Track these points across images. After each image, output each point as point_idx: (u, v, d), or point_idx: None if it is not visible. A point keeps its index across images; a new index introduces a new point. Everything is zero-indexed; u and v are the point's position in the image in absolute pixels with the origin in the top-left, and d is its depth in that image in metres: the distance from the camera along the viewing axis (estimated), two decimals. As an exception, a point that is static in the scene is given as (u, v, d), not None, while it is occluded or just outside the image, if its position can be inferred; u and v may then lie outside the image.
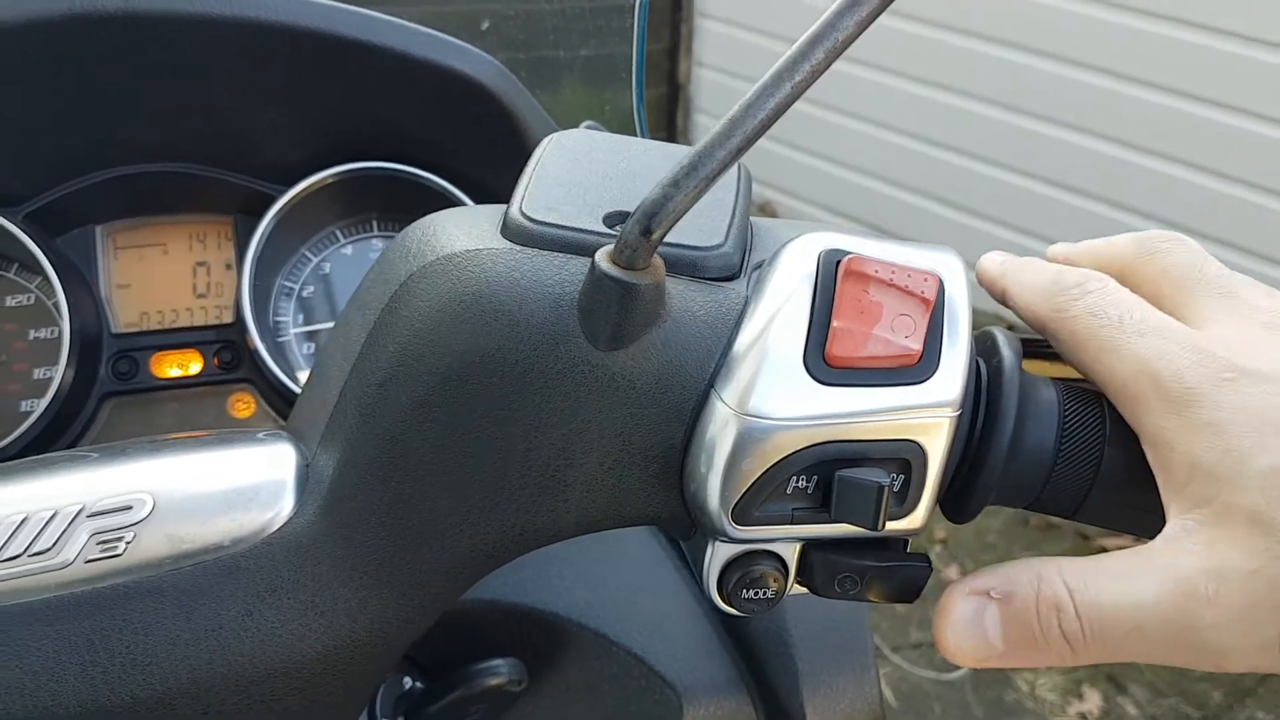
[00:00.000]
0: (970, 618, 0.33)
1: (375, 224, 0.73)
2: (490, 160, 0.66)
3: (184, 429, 0.70)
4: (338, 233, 0.73)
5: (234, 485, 0.35)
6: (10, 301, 0.68)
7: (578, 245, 0.34)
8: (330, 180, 0.67)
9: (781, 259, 0.33)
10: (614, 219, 0.35)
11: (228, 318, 0.71)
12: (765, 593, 0.35)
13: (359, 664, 0.36)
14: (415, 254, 0.35)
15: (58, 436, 0.66)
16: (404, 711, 0.55)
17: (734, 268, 0.34)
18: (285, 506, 0.35)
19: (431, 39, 0.60)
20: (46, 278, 0.68)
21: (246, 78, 0.61)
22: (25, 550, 0.33)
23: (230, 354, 0.70)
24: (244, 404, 0.71)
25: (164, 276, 0.71)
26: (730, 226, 0.35)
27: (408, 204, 0.71)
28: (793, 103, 0.28)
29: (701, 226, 0.35)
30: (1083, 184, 2.45)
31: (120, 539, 0.34)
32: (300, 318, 0.71)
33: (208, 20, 0.57)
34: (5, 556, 0.33)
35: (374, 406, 0.34)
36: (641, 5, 0.63)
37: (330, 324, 0.72)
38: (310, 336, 0.71)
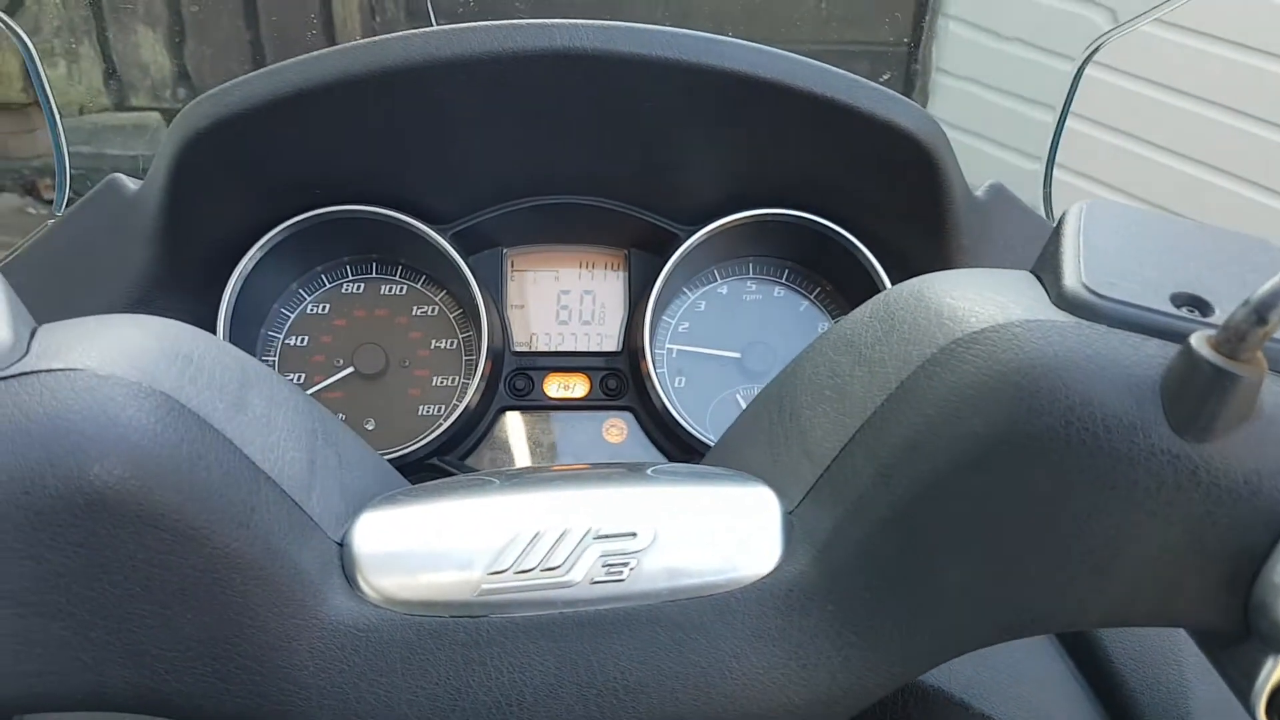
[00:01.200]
0: None
1: (751, 266, 0.75)
2: (903, 217, 0.66)
3: (562, 449, 0.73)
4: (715, 272, 0.75)
5: (727, 525, 0.35)
6: (416, 311, 0.73)
7: (1151, 326, 0.32)
8: (737, 224, 0.70)
9: None
10: (1181, 300, 0.34)
11: (610, 345, 0.74)
12: None
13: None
14: (950, 317, 0.34)
15: (458, 444, 0.70)
16: None
17: None
18: (774, 553, 0.35)
19: (877, 92, 0.61)
20: (451, 292, 0.73)
21: (692, 122, 0.63)
22: (539, 565, 0.34)
23: (615, 381, 0.73)
24: (618, 429, 0.73)
25: (553, 301, 0.75)
26: None
27: (796, 251, 0.73)
28: None
29: None
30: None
31: (625, 564, 0.34)
32: (674, 351, 0.74)
33: (672, 65, 0.60)
34: (520, 568, 0.34)
35: (896, 468, 0.33)
36: (1075, 77, 0.63)
37: (705, 352, 0.74)
38: (681, 370, 0.74)
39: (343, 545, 0.34)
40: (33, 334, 0.32)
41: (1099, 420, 0.31)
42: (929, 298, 0.36)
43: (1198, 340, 0.30)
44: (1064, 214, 0.38)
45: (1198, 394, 0.30)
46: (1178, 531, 0.32)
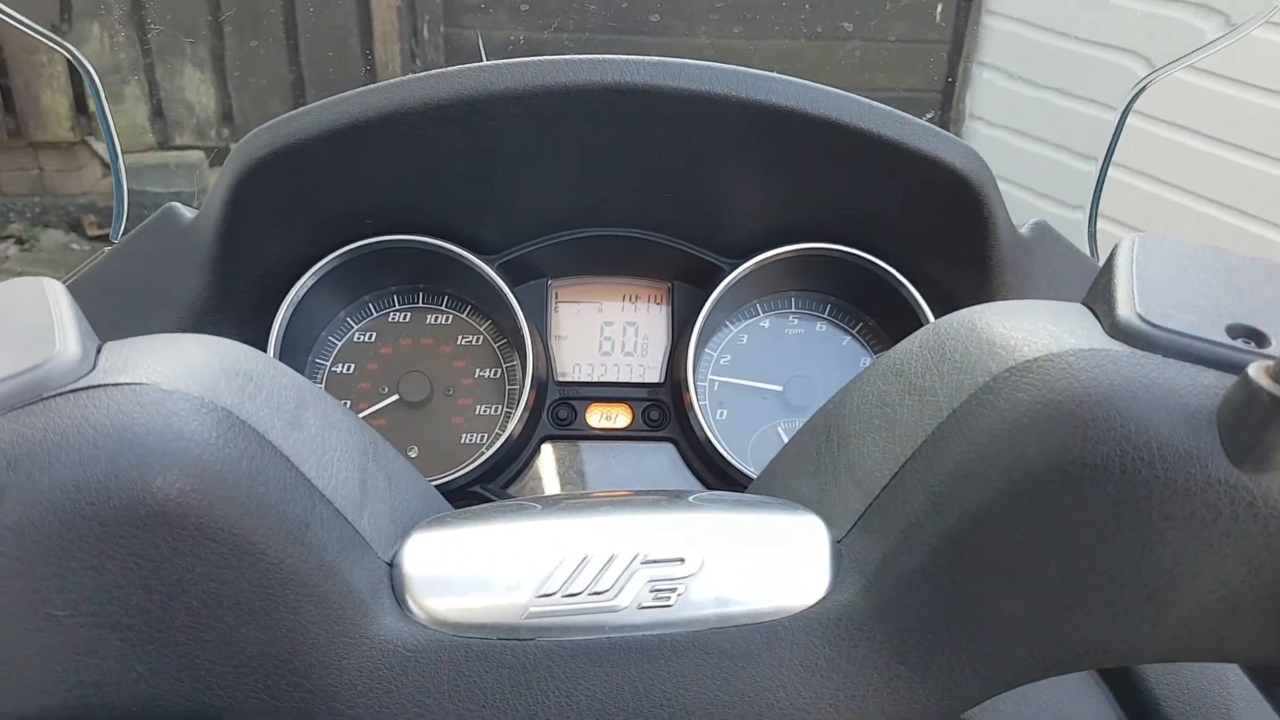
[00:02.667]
0: None
1: (794, 300, 0.76)
2: (948, 254, 0.67)
3: (603, 478, 0.73)
4: (758, 305, 0.75)
5: (776, 553, 0.35)
6: (460, 340, 0.74)
7: (1207, 356, 0.32)
8: (781, 257, 0.70)
9: None
10: (1237, 331, 0.34)
11: (652, 376, 0.75)
12: None
13: None
14: (1003, 346, 0.34)
15: (500, 472, 0.70)
16: None
17: None
18: (822, 582, 0.35)
19: (924, 129, 0.61)
20: (495, 322, 0.73)
21: (738, 157, 0.64)
22: (586, 589, 0.34)
23: (658, 412, 0.73)
24: (658, 460, 0.74)
25: (596, 332, 0.75)
26: None
27: (839, 286, 0.73)
28: None
29: None
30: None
31: (672, 590, 0.34)
32: (716, 382, 0.74)
33: (723, 100, 0.61)
34: (568, 592, 0.34)
35: (948, 497, 0.33)
36: (1119, 121, 0.64)
37: (747, 384, 0.74)
38: (723, 402, 0.74)
39: (393, 565, 0.35)
40: (99, 350, 0.33)
41: (1155, 450, 0.30)
42: (980, 327, 0.36)
43: (1255, 370, 0.30)
44: (1115, 246, 0.38)
45: (1255, 424, 0.30)
46: (1234, 564, 0.31)
